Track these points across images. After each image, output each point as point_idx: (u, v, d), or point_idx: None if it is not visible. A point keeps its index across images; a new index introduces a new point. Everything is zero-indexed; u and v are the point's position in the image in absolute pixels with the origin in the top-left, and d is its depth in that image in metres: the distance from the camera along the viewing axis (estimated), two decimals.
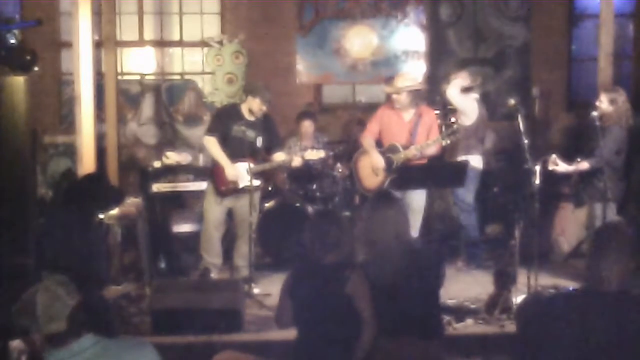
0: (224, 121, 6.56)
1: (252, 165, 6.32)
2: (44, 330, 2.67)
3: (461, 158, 6.83)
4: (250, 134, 6.49)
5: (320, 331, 3.89)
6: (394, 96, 6.61)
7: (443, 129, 6.95)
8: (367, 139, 6.68)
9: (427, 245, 6.47)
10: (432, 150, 6.58)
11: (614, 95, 6.25)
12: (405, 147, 6.50)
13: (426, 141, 6.49)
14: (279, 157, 6.59)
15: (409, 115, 6.61)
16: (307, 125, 7.79)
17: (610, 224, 4.73)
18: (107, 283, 6.09)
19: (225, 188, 6.50)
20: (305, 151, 6.62)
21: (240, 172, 6.43)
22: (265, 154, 6.60)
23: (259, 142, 6.45)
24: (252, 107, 6.43)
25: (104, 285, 5.21)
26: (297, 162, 6.50)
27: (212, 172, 6.60)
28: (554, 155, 6.31)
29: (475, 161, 6.96)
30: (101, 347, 2.76)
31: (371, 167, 6.65)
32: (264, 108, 6.43)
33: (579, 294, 3.37)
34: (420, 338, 3.98)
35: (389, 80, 7.16)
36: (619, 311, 3.10)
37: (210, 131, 6.58)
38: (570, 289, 5.93)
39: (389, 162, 6.55)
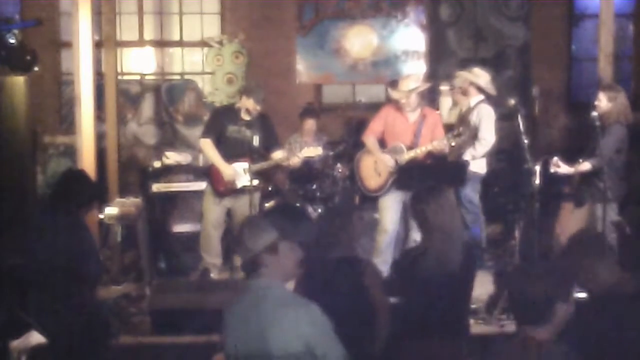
0: (219, 122, 6.56)
1: (250, 165, 6.32)
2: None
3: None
4: (247, 133, 6.47)
5: (338, 327, 3.91)
6: (403, 101, 6.43)
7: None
8: (371, 139, 6.57)
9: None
10: (438, 150, 6.44)
11: (612, 93, 6.23)
12: (410, 148, 6.44)
13: (431, 142, 6.39)
14: (277, 155, 6.58)
15: (413, 116, 6.53)
16: (310, 123, 7.79)
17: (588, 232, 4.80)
18: (100, 283, 6.07)
19: (223, 188, 6.49)
20: (303, 148, 6.62)
21: (237, 173, 6.43)
22: (263, 153, 6.60)
23: (256, 141, 6.42)
24: (247, 106, 6.42)
25: (96, 285, 5.17)
26: (295, 160, 6.47)
27: (210, 173, 6.58)
28: (555, 158, 6.29)
29: (482, 162, 6.93)
30: (279, 293, 3.00)
31: (375, 168, 6.61)
32: (258, 108, 6.41)
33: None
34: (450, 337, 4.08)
35: (394, 84, 6.97)
36: (617, 314, 3.10)
37: (205, 133, 6.58)
38: None
39: (394, 163, 6.51)
